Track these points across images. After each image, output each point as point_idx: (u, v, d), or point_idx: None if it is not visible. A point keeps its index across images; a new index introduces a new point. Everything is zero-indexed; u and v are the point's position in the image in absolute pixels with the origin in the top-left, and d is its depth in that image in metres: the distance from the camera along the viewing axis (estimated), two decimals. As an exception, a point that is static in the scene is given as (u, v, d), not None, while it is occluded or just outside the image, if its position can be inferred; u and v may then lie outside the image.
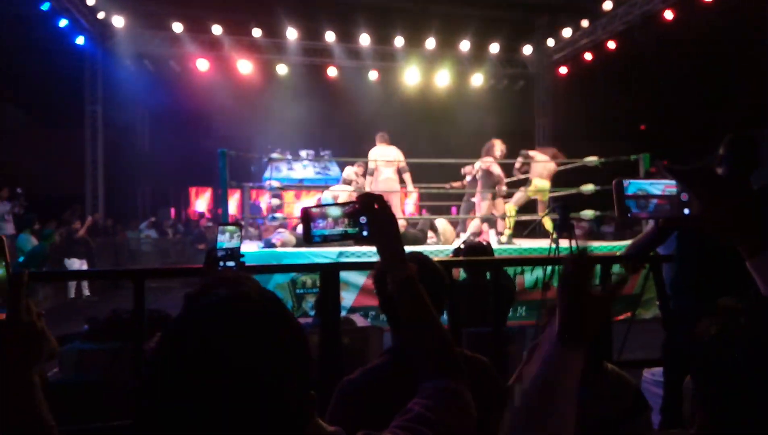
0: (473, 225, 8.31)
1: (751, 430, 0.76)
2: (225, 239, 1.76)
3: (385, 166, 8.06)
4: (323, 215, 1.08)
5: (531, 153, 8.51)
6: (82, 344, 3.16)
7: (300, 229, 7.95)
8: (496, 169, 8.14)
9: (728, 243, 0.85)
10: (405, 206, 11.55)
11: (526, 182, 8.27)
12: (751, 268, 0.84)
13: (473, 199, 8.57)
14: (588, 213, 8.18)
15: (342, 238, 1.08)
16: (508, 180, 8.64)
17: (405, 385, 1.36)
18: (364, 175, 8.26)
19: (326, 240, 1.08)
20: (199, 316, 0.70)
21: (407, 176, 8.18)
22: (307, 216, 1.09)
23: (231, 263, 1.76)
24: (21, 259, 7.89)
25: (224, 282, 0.75)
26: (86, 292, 10.26)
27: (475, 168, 8.37)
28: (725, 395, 0.79)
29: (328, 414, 1.46)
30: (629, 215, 0.95)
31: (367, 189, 8.00)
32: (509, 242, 7.74)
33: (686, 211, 0.91)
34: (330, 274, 2.67)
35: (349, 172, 8.40)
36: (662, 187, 0.95)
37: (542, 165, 8.29)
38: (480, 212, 8.09)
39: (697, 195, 0.87)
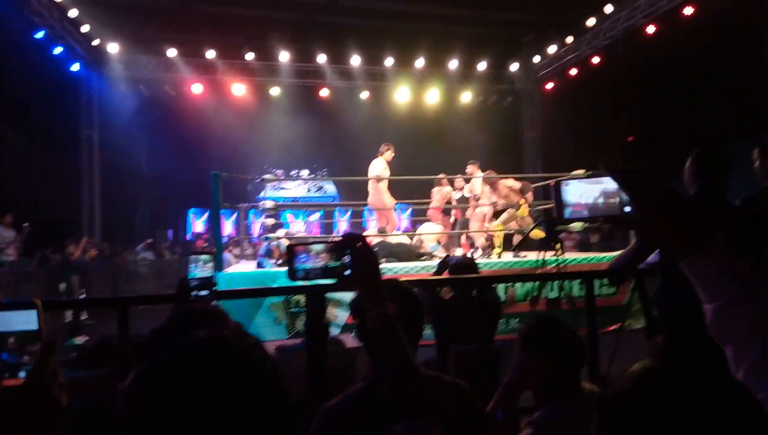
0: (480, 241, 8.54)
1: None
2: (197, 268, 1.76)
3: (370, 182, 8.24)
4: (307, 251, 1.11)
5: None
6: (70, 371, 3.06)
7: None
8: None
9: (663, 243, 0.90)
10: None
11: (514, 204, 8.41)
12: (685, 269, 0.86)
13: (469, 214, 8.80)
14: (577, 225, 8.35)
15: (323, 273, 1.11)
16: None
17: (383, 412, 1.37)
18: None
19: (308, 274, 1.11)
20: (176, 359, 0.68)
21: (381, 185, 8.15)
22: (291, 253, 1.13)
23: (204, 292, 1.75)
24: None
25: (199, 318, 0.79)
26: (84, 314, 10.32)
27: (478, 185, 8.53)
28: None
29: None
30: (565, 217, 0.99)
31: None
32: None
33: (627, 209, 0.93)
34: (315, 296, 2.65)
35: None
36: (603, 186, 0.96)
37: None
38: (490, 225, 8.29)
39: (634, 196, 0.88)
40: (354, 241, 1.10)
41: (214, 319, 1.54)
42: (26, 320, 0.89)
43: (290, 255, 1.12)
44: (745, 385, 0.78)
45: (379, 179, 8.04)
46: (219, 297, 1.90)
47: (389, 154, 8.27)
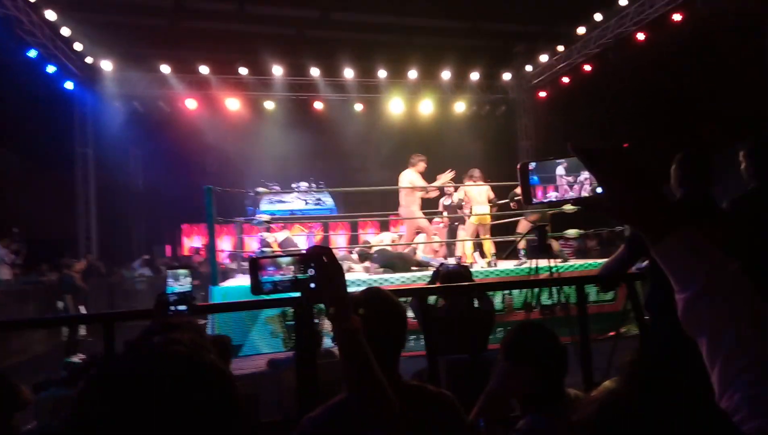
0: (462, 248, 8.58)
1: None
2: (175, 283, 1.73)
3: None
4: (274, 263, 1.10)
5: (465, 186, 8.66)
6: (58, 390, 3.11)
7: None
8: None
9: (632, 227, 0.82)
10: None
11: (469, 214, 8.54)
12: (655, 256, 0.81)
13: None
14: (572, 232, 8.37)
15: (292, 286, 1.09)
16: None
17: (360, 422, 1.38)
18: None
19: (276, 287, 1.09)
20: (124, 366, 0.70)
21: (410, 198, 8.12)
22: (254, 265, 1.10)
23: (182, 307, 1.72)
24: None
25: (172, 331, 0.79)
26: (82, 331, 10.23)
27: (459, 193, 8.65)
28: None
29: None
30: (534, 201, 0.93)
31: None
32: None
33: (599, 190, 0.85)
34: (304, 308, 2.59)
35: None
36: (571, 168, 0.90)
37: (476, 191, 8.52)
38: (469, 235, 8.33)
39: (601, 176, 0.83)
40: (320, 254, 1.09)
41: (187, 332, 1.53)
42: None
43: (254, 268, 1.09)
44: (721, 389, 0.73)
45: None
46: (199, 311, 1.87)
47: (422, 166, 8.10)
